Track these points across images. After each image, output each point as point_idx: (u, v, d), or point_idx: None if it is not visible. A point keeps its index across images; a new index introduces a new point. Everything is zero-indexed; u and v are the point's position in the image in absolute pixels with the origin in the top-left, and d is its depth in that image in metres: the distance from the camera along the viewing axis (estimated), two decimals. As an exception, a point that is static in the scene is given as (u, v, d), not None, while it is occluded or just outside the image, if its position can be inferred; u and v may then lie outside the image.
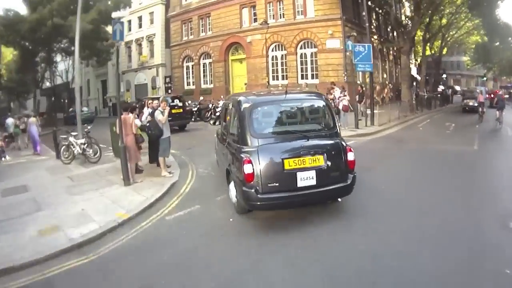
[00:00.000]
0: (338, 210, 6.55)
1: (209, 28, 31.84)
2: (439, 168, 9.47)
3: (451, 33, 39.42)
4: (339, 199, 6.68)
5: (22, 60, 35.48)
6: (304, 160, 5.84)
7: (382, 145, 12.90)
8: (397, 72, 37.37)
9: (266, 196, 5.72)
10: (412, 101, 23.79)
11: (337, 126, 6.76)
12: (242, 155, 5.93)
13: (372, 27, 30.90)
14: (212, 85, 31.65)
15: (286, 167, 5.76)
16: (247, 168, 5.73)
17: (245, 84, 27.89)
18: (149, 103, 11.40)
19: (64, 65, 41.73)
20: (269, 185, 5.72)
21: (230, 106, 7.48)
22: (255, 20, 28.06)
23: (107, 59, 38.25)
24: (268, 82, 25.67)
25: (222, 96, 22.12)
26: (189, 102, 26.89)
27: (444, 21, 35.51)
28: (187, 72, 34.67)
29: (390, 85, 33.86)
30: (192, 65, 33.74)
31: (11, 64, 40.11)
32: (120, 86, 41.64)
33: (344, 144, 6.34)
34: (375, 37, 30.06)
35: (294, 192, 5.78)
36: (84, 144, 12.25)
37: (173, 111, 18.61)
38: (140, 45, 39.33)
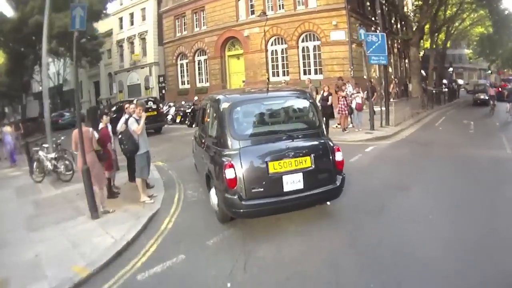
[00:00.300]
0: (382, 252, 4.68)
1: (203, 22, 29.87)
2: (483, 183, 7.57)
3: (455, 24, 37.53)
4: (328, 203, 6.26)
5: (10, 62, 33.89)
6: (290, 162, 5.51)
7: (407, 151, 11.00)
8: (401, 66, 35.52)
9: (251, 203, 5.35)
10: (424, 96, 22.06)
11: (323, 125, 6.48)
12: (223, 159, 5.54)
13: (376, 18, 29.04)
14: (208, 84, 29.63)
15: (271, 170, 5.43)
16: (229, 173, 5.34)
17: (243, 81, 25.92)
18: (126, 108, 9.12)
19: (55, 67, 39.80)
20: (253, 190, 5.37)
21: (208, 106, 7.17)
22: (252, 12, 26.06)
23: (98, 59, 36.53)
24: (268, 78, 23.71)
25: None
26: (183, 102, 25.02)
27: (448, 12, 33.64)
28: (181, 71, 32.63)
29: (395, 79, 31.88)
30: (187, 63, 31.74)
31: (1, 67, 38.43)
32: (113, 87, 40.02)
33: (331, 144, 6.04)
34: (379, 28, 28.07)
35: (281, 197, 5.44)
36: (55, 158, 10.33)
37: (147, 113, 17.85)
38: (132, 43, 37.50)
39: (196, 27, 30.60)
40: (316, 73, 23.21)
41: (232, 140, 5.67)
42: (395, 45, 33.20)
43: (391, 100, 19.18)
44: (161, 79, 33.52)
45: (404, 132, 14.01)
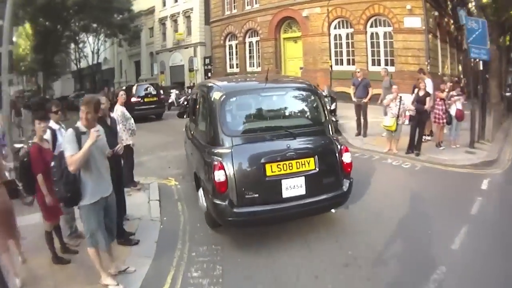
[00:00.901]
0: None
1: (255, 0, 28.40)
2: None
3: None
4: (333, 210, 5.89)
5: (37, 38, 34.71)
6: (290, 164, 5.17)
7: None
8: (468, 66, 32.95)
9: (244, 210, 5.00)
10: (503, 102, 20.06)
11: (330, 121, 6.06)
12: (212, 159, 5.18)
13: (449, 8, 26.70)
14: (260, 69, 28.18)
15: (268, 173, 5.09)
16: (219, 176, 4.97)
17: (301, 68, 24.45)
18: (121, 95, 7.97)
19: (90, 46, 40.06)
20: (246, 196, 5.01)
21: (199, 95, 6.83)
22: (313, -10, 24.30)
23: (135, 36, 36.49)
24: (331, 66, 22.10)
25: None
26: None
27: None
28: (230, 53, 31.54)
29: (464, 79, 29.64)
30: (236, 44, 30.53)
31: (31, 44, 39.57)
32: (153, 67, 39.76)
33: (339, 143, 5.73)
34: (447, 20, 25.86)
35: (279, 204, 5.10)
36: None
37: (146, 99, 20.96)
38: (175, 21, 36.77)
39: (247, 5, 29.24)
40: (386, 64, 21.03)
41: (224, 136, 5.30)
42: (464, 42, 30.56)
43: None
44: (207, 61, 32.59)
45: (505, 153, 11.12)
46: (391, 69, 20.54)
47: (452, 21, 26.73)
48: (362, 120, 12.65)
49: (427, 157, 10.13)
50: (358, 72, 13.59)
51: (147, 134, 15.95)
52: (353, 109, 13.14)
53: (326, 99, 13.17)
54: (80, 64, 43.30)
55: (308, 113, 6.18)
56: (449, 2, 26.22)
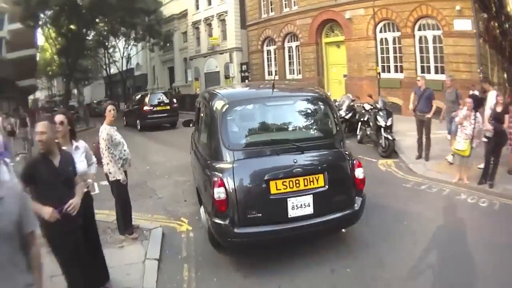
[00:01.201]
0: None
1: (294, 1, 28.28)
2: None
3: None
4: (343, 230, 5.91)
5: (60, 42, 36.04)
6: (297, 181, 5.06)
7: None
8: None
9: (246, 231, 4.90)
10: None
11: (342, 133, 5.99)
12: (212, 174, 5.11)
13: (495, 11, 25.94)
14: (300, 76, 28.10)
15: (273, 191, 4.98)
16: (219, 193, 4.86)
17: (345, 76, 24.29)
18: (109, 111, 6.21)
19: (120, 51, 41.46)
20: (249, 215, 4.91)
21: (202, 104, 6.71)
22: (356, -11, 23.85)
23: (166, 41, 37.41)
24: (379, 73, 21.80)
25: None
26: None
27: None
28: (268, 58, 31.56)
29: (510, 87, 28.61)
30: (275, 49, 30.55)
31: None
32: (187, 73, 40.77)
33: (350, 158, 5.55)
34: (495, 24, 25.19)
35: (284, 224, 5.00)
36: None
37: (159, 108, 22.53)
38: (209, 25, 37.33)
39: (286, 7, 29.20)
40: (436, 71, 20.51)
41: (225, 150, 5.22)
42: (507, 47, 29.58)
43: None
44: (244, 67, 32.90)
45: None
46: (441, 76, 19.84)
47: (497, 25, 26.08)
48: (423, 139, 11.39)
49: (502, 190, 8.42)
50: (419, 80, 12.07)
51: (165, 150, 16.03)
52: (404, 122, 12.62)
53: (381, 113, 12.64)
54: (111, 69, 44.89)
55: (318, 125, 6.07)
56: (493, 5, 25.53)
